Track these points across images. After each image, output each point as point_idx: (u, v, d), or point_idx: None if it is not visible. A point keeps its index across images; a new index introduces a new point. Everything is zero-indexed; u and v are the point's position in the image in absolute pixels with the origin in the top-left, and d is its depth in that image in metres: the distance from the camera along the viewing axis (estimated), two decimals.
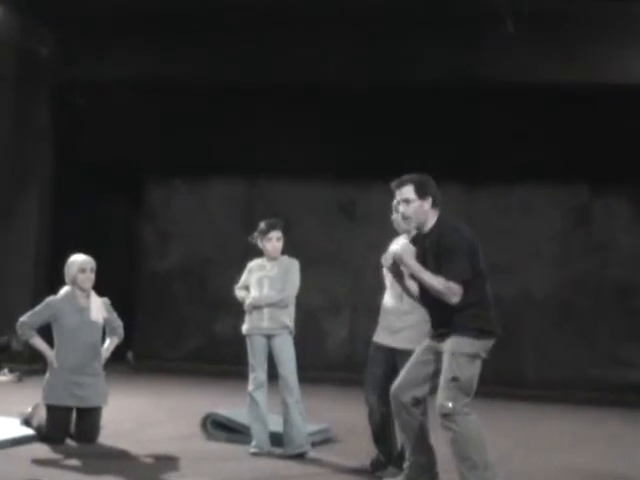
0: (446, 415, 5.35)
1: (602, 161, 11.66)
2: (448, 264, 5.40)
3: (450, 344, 5.42)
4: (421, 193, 5.56)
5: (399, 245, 5.69)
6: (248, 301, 6.91)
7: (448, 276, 5.38)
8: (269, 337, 6.84)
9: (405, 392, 5.63)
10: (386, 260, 5.72)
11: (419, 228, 5.64)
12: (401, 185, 5.64)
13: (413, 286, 5.68)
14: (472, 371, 5.42)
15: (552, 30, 10.46)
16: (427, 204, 5.56)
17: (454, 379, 5.36)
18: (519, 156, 11.81)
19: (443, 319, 5.48)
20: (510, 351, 12.27)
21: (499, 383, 11.53)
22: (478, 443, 5.37)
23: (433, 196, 5.58)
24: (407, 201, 5.58)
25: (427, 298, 5.56)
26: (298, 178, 12.91)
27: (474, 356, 5.41)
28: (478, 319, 5.44)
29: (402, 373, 5.70)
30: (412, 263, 5.53)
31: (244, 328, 6.96)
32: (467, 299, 5.41)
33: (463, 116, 11.59)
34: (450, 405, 5.34)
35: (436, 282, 5.40)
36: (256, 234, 6.95)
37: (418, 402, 5.65)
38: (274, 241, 6.89)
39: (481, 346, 5.45)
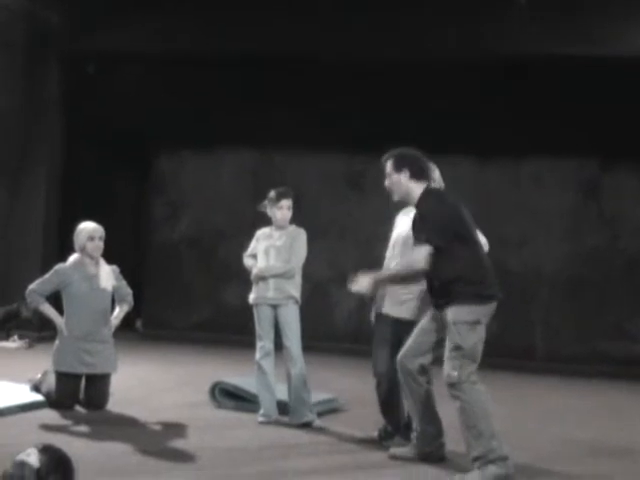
0: (453, 384, 5.40)
1: (612, 134, 11.60)
2: (417, 230, 5.60)
3: (450, 314, 5.48)
4: (397, 166, 5.75)
5: (357, 284, 5.69)
6: (254, 271, 6.92)
7: (415, 241, 5.57)
8: (275, 307, 6.86)
9: (411, 360, 5.70)
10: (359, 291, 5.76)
11: (405, 201, 5.82)
12: (385, 160, 5.85)
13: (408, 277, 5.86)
14: (475, 338, 5.47)
15: (564, 2, 10.38)
16: (403, 177, 5.72)
17: (457, 348, 5.41)
18: (529, 129, 11.76)
19: (440, 290, 5.55)
20: (519, 324, 12.30)
21: (507, 356, 11.56)
22: (485, 412, 5.41)
23: (410, 168, 5.71)
24: (388, 175, 5.80)
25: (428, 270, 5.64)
26: (308, 150, 12.88)
27: (475, 322, 5.47)
28: (474, 285, 5.49)
29: (408, 341, 5.78)
30: (378, 278, 5.75)
31: (251, 297, 6.97)
32: (458, 267, 5.48)
33: (474, 89, 11.53)
34: (456, 374, 5.39)
35: (403, 272, 5.77)
36: (266, 202, 6.95)
37: (424, 370, 5.73)
38: (284, 209, 6.89)
39: (481, 312, 5.50)
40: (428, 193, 5.70)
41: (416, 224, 5.64)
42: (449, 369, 5.42)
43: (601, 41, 10.32)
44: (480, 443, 5.35)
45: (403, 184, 5.71)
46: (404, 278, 5.82)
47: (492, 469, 5.32)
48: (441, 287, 5.51)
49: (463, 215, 5.63)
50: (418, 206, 5.67)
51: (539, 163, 12.42)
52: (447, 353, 5.46)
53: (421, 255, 5.50)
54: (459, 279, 5.45)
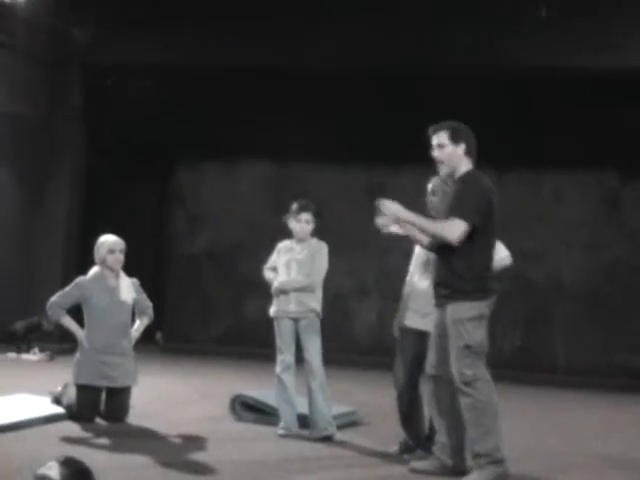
0: (468, 383, 5.43)
1: (632, 147, 11.54)
2: (459, 202, 5.52)
3: (452, 312, 5.51)
4: (455, 138, 5.69)
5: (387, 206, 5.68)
6: (275, 284, 6.91)
7: (455, 213, 5.45)
8: (296, 320, 6.85)
9: (439, 368, 5.67)
10: (382, 224, 5.76)
11: (451, 175, 5.70)
12: (437, 130, 5.77)
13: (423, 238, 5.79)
14: (481, 334, 5.51)
15: (583, 14, 10.35)
16: (460, 149, 5.68)
17: (467, 347, 5.46)
18: (549, 142, 11.73)
19: (445, 278, 5.55)
20: (540, 337, 12.24)
21: (529, 369, 11.52)
22: (495, 410, 5.48)
23: (466, 143, 5.68)
24: (441, 146, 5.71)
25: (439, 252, 5.65)
26: (328, 161, 12.87)
27: (479, 318, 5.50)
28: (476, 282, 5.50)
29: (431, 352, 5.76)
30: (403, 213, 5.57)
31: (271, 311, 6.96)
32: (472, 261, 5.50)
33: (494, 101, 11.50)
34: (470, 372, 5.43)
35: (431, 225, 5.54)
36: (289, 214, 6.96)
37: (453, 380, 5.67)
38: (303, 223, 6.89)
39: (483, 306, 5.53)
40: (476, 172, 5.66)
41: (459, 196, 5.55)
42: (462, 368, 5.44)
43: (623, 54, 10.29)
44: (487, 441, 5.40)
45: (457, 157, 5.66)
46: (428, 232, 5.62)
47: (491, 469, 5.37)
48: (448, 275, 5.51)
49: (494, 207, 5.61)
50: (464, 180, 5.60)
51: (559, 176, 12.37)
52: (456, 353, 5.47)
53: (457, 229, 5.42)
54: (468, 274, 5.46)
